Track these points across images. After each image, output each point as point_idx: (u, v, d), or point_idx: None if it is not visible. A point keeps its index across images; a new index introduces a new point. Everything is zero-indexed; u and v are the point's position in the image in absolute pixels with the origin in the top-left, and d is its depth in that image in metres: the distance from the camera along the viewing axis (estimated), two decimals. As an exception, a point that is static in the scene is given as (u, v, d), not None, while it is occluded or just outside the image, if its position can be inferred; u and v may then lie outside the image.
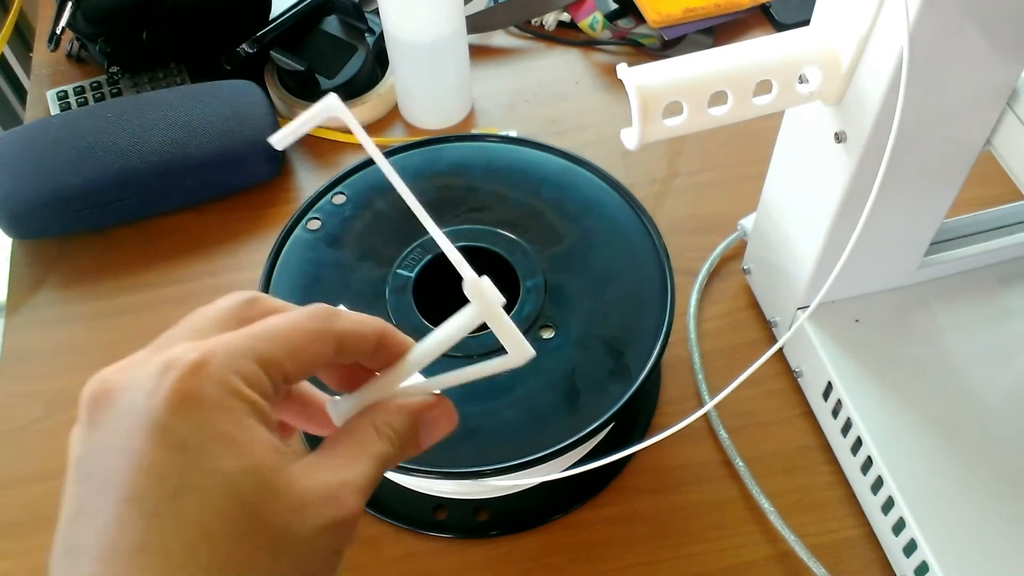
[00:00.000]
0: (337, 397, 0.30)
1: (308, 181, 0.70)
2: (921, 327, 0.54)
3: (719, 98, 0.42)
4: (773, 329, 0.59)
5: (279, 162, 0.68)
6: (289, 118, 0.72)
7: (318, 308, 0.28)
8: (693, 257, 0.64)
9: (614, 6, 0.77)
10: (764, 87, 0.42)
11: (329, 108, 0.29)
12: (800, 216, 0.52)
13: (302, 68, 0.68)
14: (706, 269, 0.63)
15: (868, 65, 0.41)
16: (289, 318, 0.27)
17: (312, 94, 0.70)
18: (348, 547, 0.26)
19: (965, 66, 0.41)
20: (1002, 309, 0.55)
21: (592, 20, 0.76)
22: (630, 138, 0.43)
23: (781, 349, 0.59)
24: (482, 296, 0.29)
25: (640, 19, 0.75)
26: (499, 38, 0.79)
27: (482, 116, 0.73)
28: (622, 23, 0.77)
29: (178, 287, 0.63)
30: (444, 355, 0.30)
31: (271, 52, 0.69)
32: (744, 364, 0.59)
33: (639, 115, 0.41)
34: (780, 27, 0.77)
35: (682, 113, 0.42)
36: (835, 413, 0.52)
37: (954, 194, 0.49)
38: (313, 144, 0.71)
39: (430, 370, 0.30)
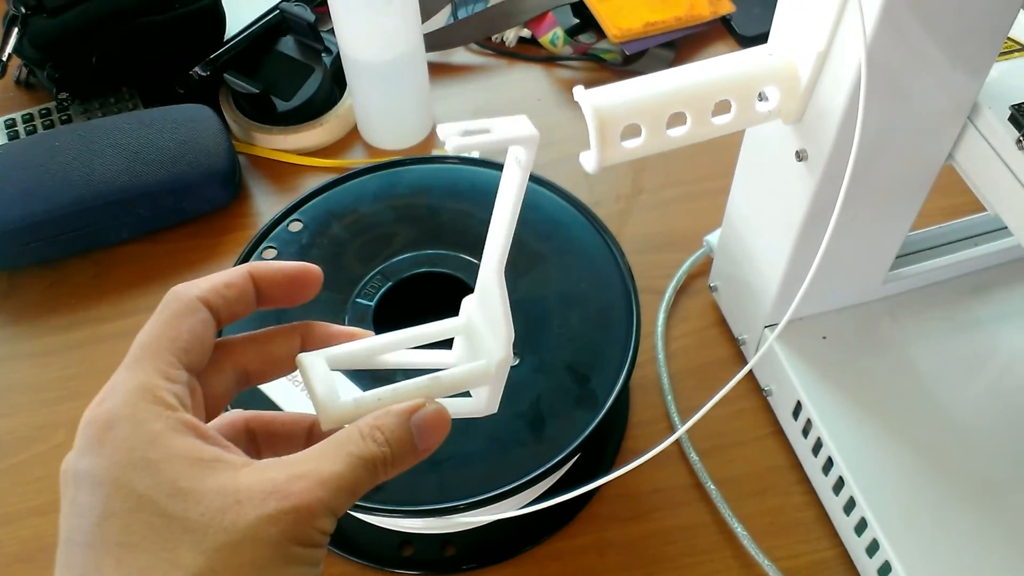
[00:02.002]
0: (326, 401, 0.30)
1: (266, 205, 0.68)
2: (889, 343, 0.54)
3: (678, 119, 0.41)
4: (741, 347, 0.59)
5: (235, 187, 0.66)
6: (245, 141, 0.70)
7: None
8: (660, 275, 0.63)
9: (575, 21, 0.76)
10: (723, 106, 0.42)
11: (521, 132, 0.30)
12: (764, 234, 0.51)
13: (257, 91, 0.66)
14: (673, 287, 0.62)
15: (827, 82, 0.41)
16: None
17: (268, 116, 0.69)
18: (319, 542, 0.26)
19: (925, 81, 0.40)
20: (969, 320, 0.55)
21: (553, 36, 0.75)
22: (589, 161, 0.42)
23: (750, 369, 0.58)
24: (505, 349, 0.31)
25: (601, 34, 0.75)
26: (460, 55, 0.78)
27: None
28: (583, 38, 0.76)
29: (132, 320, 0.61)
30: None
31: (225, 75, 0.67)
32: (713, 383, 0.59)
33: (597, 138, 0.40)
34: (741, 39, 0.76)
35: (640, 135, 0.41)
36: (805, 433, 0.52)
37: (918, 208, 0.49)
38: (270, 167, 0.70)
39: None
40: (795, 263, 0.49)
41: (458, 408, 0.33)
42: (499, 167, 0.59)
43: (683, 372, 0.59)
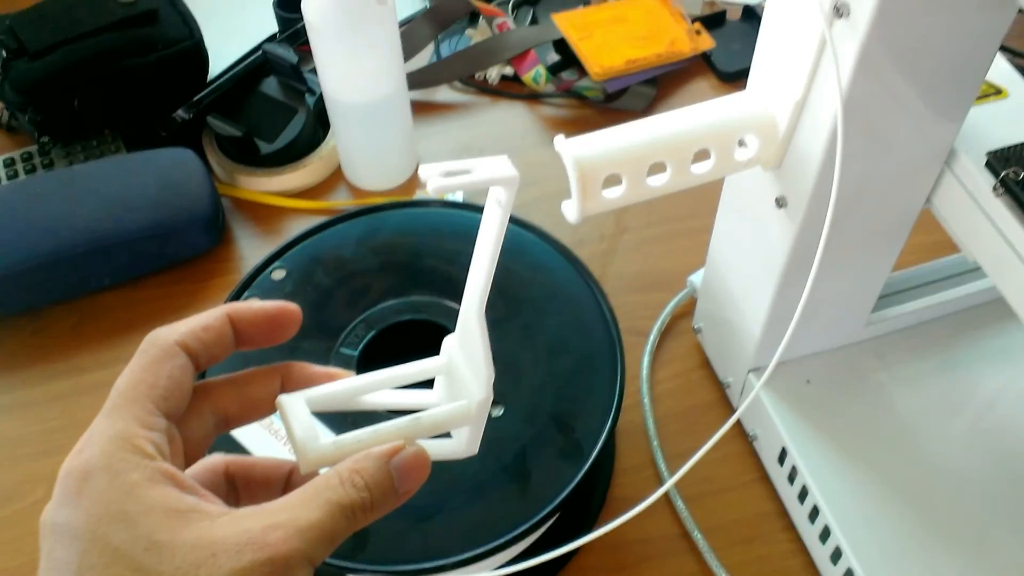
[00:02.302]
0: (305, 441, 0.30)
1: (250, 249, 0.68)
2: (872, 386, 0.54)
3: (659, 166, 0.41)
4: (726, 391, 0.58)
5: (218, 231, 0.66)
6: (229, 183, 0.70)
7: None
8: (644, 316, 0.63)
9: (557, 58, 0.76)
10: (703, 154, 0.42)
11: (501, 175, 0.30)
12: (746, 278, 0.51)
13: (239, 134, 0.66)
14: (657, 328, 0.62)
15: (805, 130, 0.41)
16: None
17: (252, 158, 0.69)
18: None
19: (903, 127, 0.40)
20: (951, 362, 0.54)
21: (535, 74, 0.75)
22: (570, 212, 0.41)
23: (734, 409, 0.58)
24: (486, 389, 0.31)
25: (583, 71, 0.75)
26: (443, 93, 0.78)
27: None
28: (565, 75, 0.76)
29: (113, 369, 0.58)
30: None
31: (208, 118, 0.67)
32: (700, 428, 0.59)
33: (578, 189, 0.40)
34: (721, 75, 0.77)
35: (621, 184, 0.41)
36: (791, 479, 0.51)
37: (898, 251, 0.49)
38: (254, 210, 0.70)
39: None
40: (777, 307, 0.49)
41: (438, 450, 0.32)
42: (481, 210, 0.59)
43: (669, 416, 0.59)
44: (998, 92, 0.45)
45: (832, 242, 0.43)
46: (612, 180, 0.41)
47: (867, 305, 0.53)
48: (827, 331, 0.54)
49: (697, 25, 0.77)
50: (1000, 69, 0.45)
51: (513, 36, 0.76)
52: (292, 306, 0.32)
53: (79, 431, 0.27)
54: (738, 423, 0.57)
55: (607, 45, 0.74)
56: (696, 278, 0.62)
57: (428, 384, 0.34)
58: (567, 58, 0.76)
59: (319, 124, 0.71)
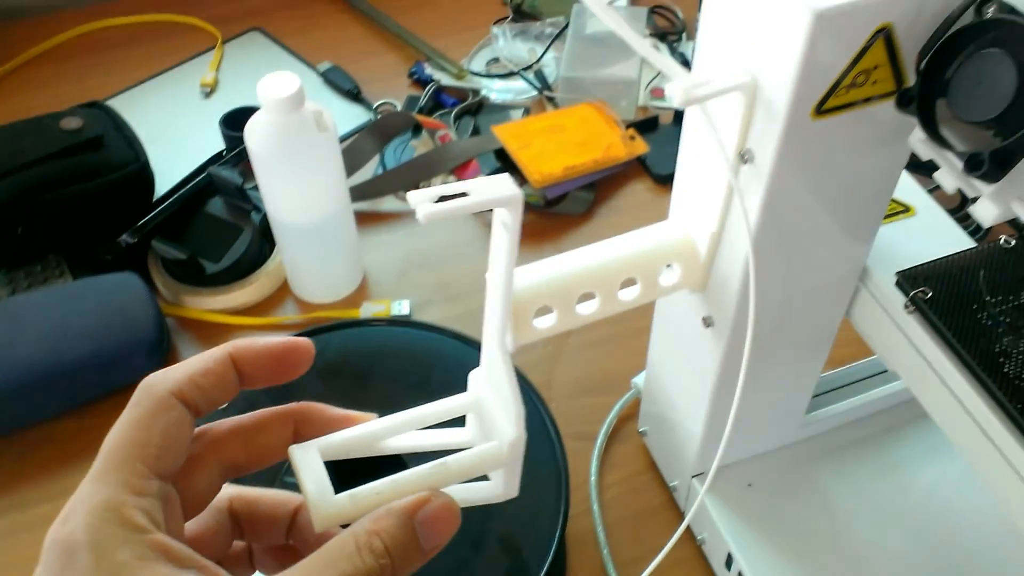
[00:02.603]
0: (316, 499, 0.27)
1: (196, 368, 0.68)
2: (812, 486, 0.55)
3: (588, 295, 0.43)
4: (674, 494, 0.59)
5: (163, 354, 0.66)
6: (175, 303, 0.70)
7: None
8: (591, 420, 0.64)
9: (498, 166, 0.79)
10: (630, 281, 0.43)
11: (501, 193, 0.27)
12: (683, 387, 0.52)
13: (184, 257, 0.67)
14: (604, 432, 0.63)
15: (724, 258, 0.42)
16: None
17: (198, 279, 0.69)
18: None
19: (816, 251, 0.43)
20: (885, 458, 0.56)
21: (477, 183, 0.78)
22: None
23: (682, 514, 0.58)
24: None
25: (524, 179, 0.77)
26: (389, 203, 0.80)
27: (374, 286, 0.73)
28: (507, 183, 0.79)
29: (59, 503, 0.58)
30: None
31: (152, 242, 0.68)
32: (649, 533, 0.59)
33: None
34: (656, 177, 0.80)
35: (552, 313, 0.42)
36: (740, 583, 0.52)
37: (824, 359, 0.51)
38: (200, 328, 0.70)
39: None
40: (714, 417, 0.50)
41: (473, 495, 0.30)
42: (424, 327, 0.60)
43: (618, 522, 0.59)
44: (906, 210, 0.47)
45: (758, 357, 0.44)
46: (544, 309, 0.42)
47: (801, 408, 0.54)
48: (764, 434, 0.55)
49: (631, 131, 0.80)
50: (907, 187, 0.48)
51: (455, 147, 0.78)
52: (302, 341, 0.30)
53: (27, 570, 0.25)
54: (687, 527, 0.58)
55: (545, 153, 0.77)
56: (640, 380, 0.63)
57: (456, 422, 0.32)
58: (507, 166, 0.79)
59: (265, 241, 0.72)
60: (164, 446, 0.26)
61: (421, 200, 0.26)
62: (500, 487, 0.31)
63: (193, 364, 0.28)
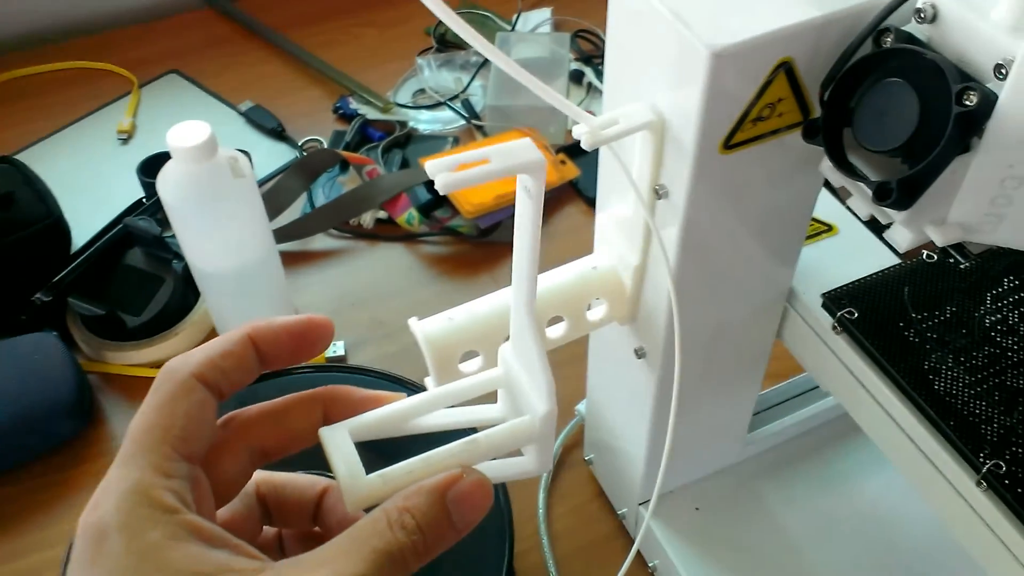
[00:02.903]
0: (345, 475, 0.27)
1: (122, 428, 0.65)
2: (758, 505, 0.54)
3: (515, 336, 0.42)
4: (623, 521, 0.58)
5: (85, 415, 0.63)
6: (98, 360, 0.68)
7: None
8: (536, 451, 0.63)
9: (429, 197, 0.78)
10: (557, 319, 0.43)
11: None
12: (622, 416, 0.52)
13: (102, 312, 0.64)
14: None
15: (649, 290, 0.42)
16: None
17: (119, 334, 0.67)
18: None
19: (739, 277, 0.42)
20: (832, 472, 0.56)
21: (408, 216, 0.76)
22: (432, 387, 0.41)
23: (633, 541, 0.58)
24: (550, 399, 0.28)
25: (456, 210, 0.76)
26: (319, 241, 0.78)
27: (173, 357, 0.71)
28: (439, 214, 0.78)
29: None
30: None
31: (68, 299, 0.65)
32: (601, 563, 0.58)
33: (434, 368, 0.40)
34: (590, 200, 0.79)
35: (478, 357, 0.41)
36: (692, 612, 0.51)
37: (760, 378, 0.50)
38: (126, 384, 0.67)
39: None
40: (655, 445, 0.49)
41: (505, 471, 0.30)
42: (354, 370, 0.58)
43: (569, 554, 0.58)
44: (829, 229, 0.47)
45: (692, 384, 0.44)
46: (471, 352, 0.41)
47: (742, 428, 0.54)
48: (708, 457, 0.55)
49: (562, 155, 0.80)
50: (829, 206, 0.48)
51: (384, 181, 0.77)
52: (320, 318, 0.30)
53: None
54: (638, 553, 0.57)
55: (475, 183, 0.76)
56: (583, 407, 0.62)
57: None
58: (439, 198, 0.77)
59: (189, 289, 0.69)
60: (189, 428, 0.26)
61: (440, 169, 0.25)
62: (532, 462, 0.31)
63: (213, 346, 0.28)
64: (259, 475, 0.30)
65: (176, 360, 0.27)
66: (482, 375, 0.32)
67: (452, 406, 0.31)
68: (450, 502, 0.26)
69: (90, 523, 0.24)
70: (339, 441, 0.28)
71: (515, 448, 0.30)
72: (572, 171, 0.79)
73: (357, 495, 0.27)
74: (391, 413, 0.30)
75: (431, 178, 0.25)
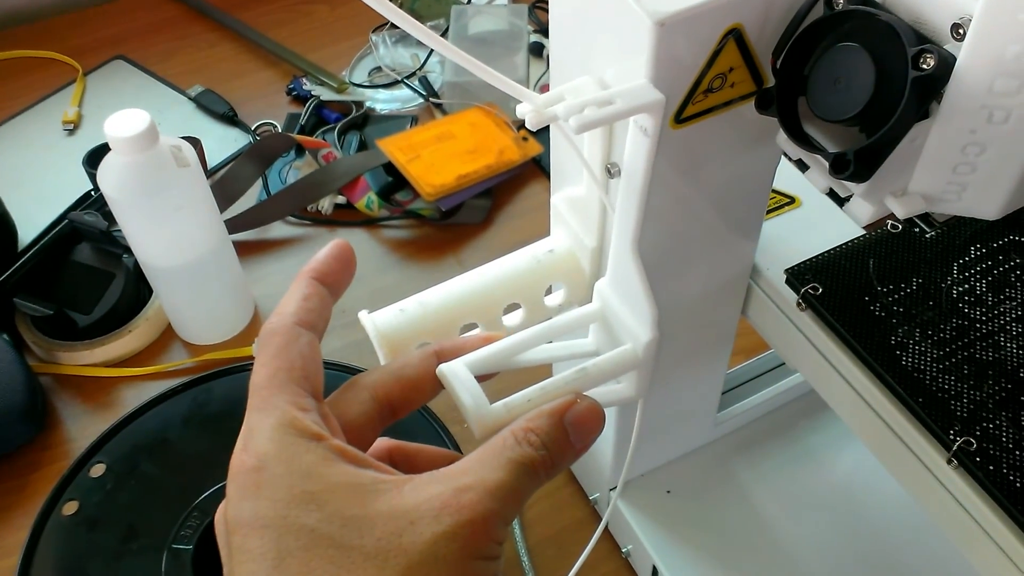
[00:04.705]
0: (473, 403, 0.30)
1: (78, 429, 0.63)
2: (731, 486, 0.53)
3: (471, 325, 0.40)
4: (595, 506, 0.57)
5: (38, 419, 0.61)
6: (50, 362, 0.65)
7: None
8: (505, 437, 0.62)
9: (389, 179, 0.75)
10: (514, 305, 0.41)
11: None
12: (590, 402, 0.50)
13: (51, 312, 0.62)
14: (519, 449, 0.61)
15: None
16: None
17: (70, 333, 0.64)
18: (496, 553, 0.26)
19: (699, 254, 0.41)
20: (803, 449, 0.55)
21: (368, 200, 0.74)
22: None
23: (607, 529, 0.57)
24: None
25: (415, 193, 0.74)
26: (277, 229, 0.76)
27: (267, 318, 0.69)
28: (400, 196, 0.75)
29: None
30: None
31: (14, 299, 0.63)
32: (574, 549, 0.57)
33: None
34: (555, 178, 0.78)
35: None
36: (666, 596, 0.50)
37: (727, 357, 0.49)
38: (80, 385, 0.65)
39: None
40: (622, 429, 0.48)
41: (609, 398, 0.32)
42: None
43: (542, 542, 0.57)
44: (792, 201, 0.46)
45: (657, 366, 0.43)
46: (425, 345, 0.39)
47: (711, 408, 0.53)
48: (678, 438, 0.53)
49: (524, 132, 0.78)
50: (791, 177, 0.46)
51: (341, 165, 0.75)
52: (339, 240, 0.33)
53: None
54: (612, 540, 0.56)
55: (436, 164, 0.74)
56: (551, 392, 0.61)
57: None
58: (399, 179, 0.75)
59: (141, 284, 0.67)
60: (307, 367, 0.28)
61: (570, 113, 0.28)
62: (632, 388, 0.34)
63: (293, 295, 0.30)
64: (391, 443, 0.33)
65: (272, 319, 0.30)
66: (579, 311, 0.35)
67: (551, 341, 0.34)
68: (568, 424, 0.29)
69: (243, 460, 0.26)
70: (460, 375, 0.31)
71: (619, 375, 0.33)
72: (535, 148, 0.77)
73: (484, 423, 0.29)
74: (500, 349, 0.33)
75: (564, 118, 0.28)
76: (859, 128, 0.28)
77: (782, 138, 0.31)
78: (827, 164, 0.29)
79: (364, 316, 0.39)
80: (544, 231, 0.42)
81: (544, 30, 0.88)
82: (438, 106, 0.82)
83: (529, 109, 0.29)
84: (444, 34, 0.85)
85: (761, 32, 0.29)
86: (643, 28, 0.27)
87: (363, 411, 0.30)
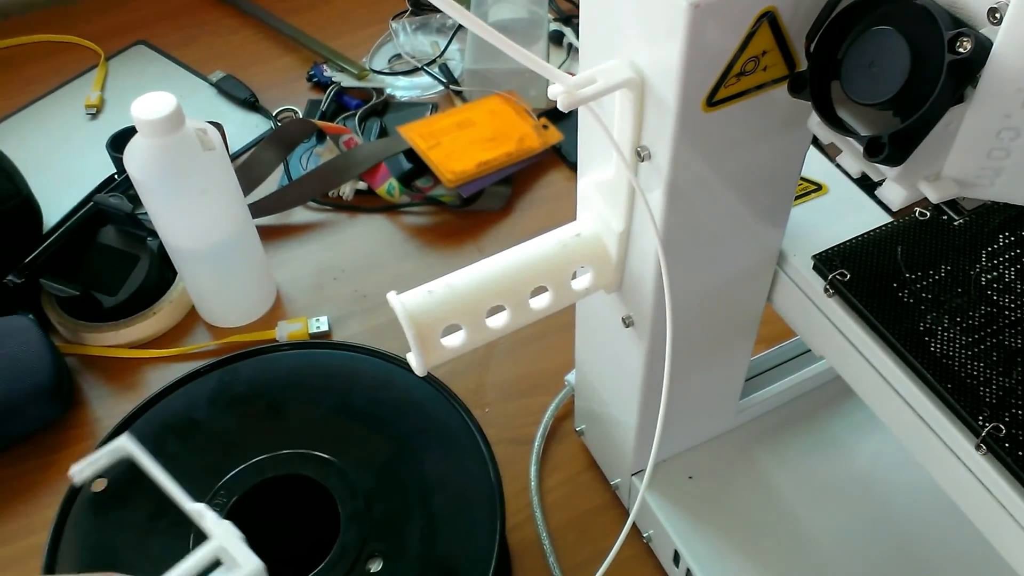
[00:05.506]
0: None
1: (105, 409, 0.64)
2: (752, 472, 0.54)
3: (498, 308, 0.40)
4: (616, 491, 0.58)
5: (65, 398, 0.62)
6: (75, 342, 0.66)
7: None
8: (527, 422, 0.62)
9: (409, 166, 0.76)
10: (541, 288, 0.41)
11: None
12: (612, 386, 0.51)
13: (76, 293, 0.63)
14: (541, 434, 0.61)
15: (634, 257, 0.41)
16: None
17: (95, 314, 0.65)
18: None
19: (727, 240, 0.41)
20: (824, 435, 0.55)
21: (389, 186, 0.75)
22: (415, 364, 0.40)
23: (627, 512, 0.57)
24: None
25: (436, 179, 0.75)
26: (299, 214, 0.76)
27: (289, 303, 0.70)
28: (420, 183, 0.76)
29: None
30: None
31: (41, 280, 0.63)
32: (595, 534, 0.57)
33: (416, 344, 0.39)
34: (574, 166, 0.78)
35: (461, 331, 0.40)
36: (687, 580, 0.51)
37: (751, 345, 0.49)
38: (105, 366, 0.66)
39: None
40: (646, 414, 0.48)
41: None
42: (339, 346, 0.57)
43: (563, 526, 0.57)
44: (819, 188, 0.46)
45: (683, 351, 0.43)
46: (453, 327, 0.40)
47: (734, 395, 0.53)
48: (700, 425, 0.54)
49: (544, 120, 0.78)
50: (818, 164, 0.46)
51: (362, 152, 0.75)
52: None
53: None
54: (634, 524, 0.56)
55: (456, 151, 0.74)
56: (572, 377, 0.61)
57: None
58: (420, 165, 0.76)
59: (166, 267, 0.68)
60: None
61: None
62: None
63: None
64: None
65: None
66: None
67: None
68: None
69: None
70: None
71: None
72: (555, 136, 0.77)
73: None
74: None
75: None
76: (893, 112, 0.28)
77: (814, 121, 0.31)
78: (861, 148, 0.29)
79: (393, 297, 0.39)
80: (564, 219, 0.43)
81: (564, 18, 0.88)
82: (458, 93, 0.82)
83: (562, 90, 0.30)
84: (465, 20, 0.85)
85: (794, 15, 0.29)
86: (677, 10, 0.27)
87: None
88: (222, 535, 0.39)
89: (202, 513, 0.41)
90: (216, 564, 0.39)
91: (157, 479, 0.41)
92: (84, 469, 0.32)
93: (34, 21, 0.91)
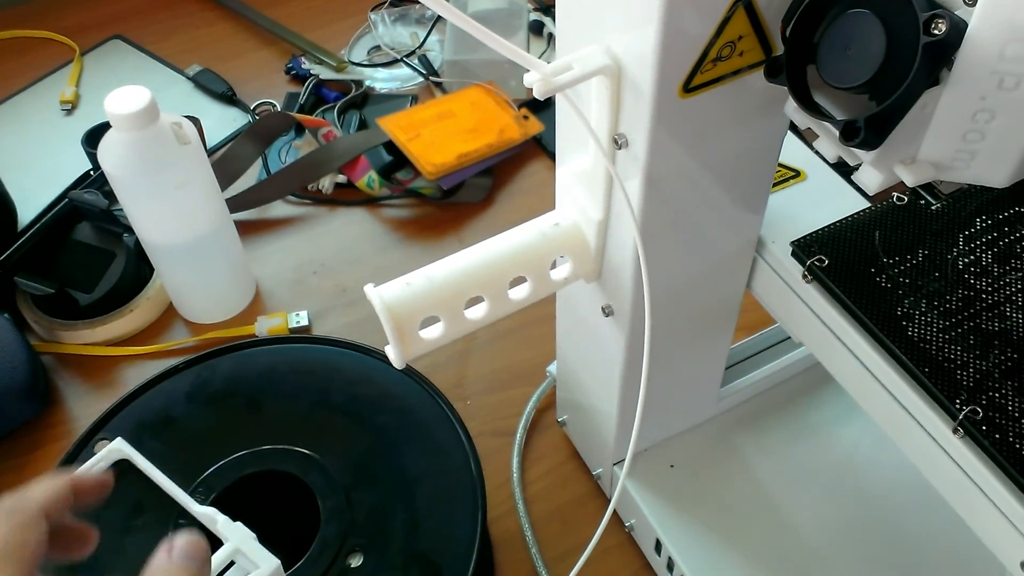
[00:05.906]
0: None
1: (81, 408, 0.63)
2: (734, 460, 0.54)
3: (476, 299, 0.40)
4: (599, 481, 0.58)
5: (40, 397, 0.61)
6: (51, 341, 0.65)
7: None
8: (509, 414, 0.62)
9: (389, 159, 0.75)
10: (520, 279, 0.41)
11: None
12: (593, 376, 0.50)
13: (52, 291, 0.62)
14: (523, 426, 0.61)
15: (614, 245, 0.40)
16: None
17: (71, 312, 0.64)
18: None
19: (705, 227, 0.41)
20: (806, 424, 0.55)
21: (368, 179, 0.74)
22: (394, 356, 0.40)
23: (609, 502, 0.57)
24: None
25: (416, 171, 0.74)
26: (277, 208, 0.75)
27: (269, 298, 0.69)
28: (400, 175, 0.75)
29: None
30: None
31: (15, 278, 0.62)
32: (577, 525, 0.57)
33: (394, 337, 0.39)
34: (554, 156, 0.77)
35: (440, 323, 0.40)
36: (670, 568, 0.51)
37: (731, 332, 0.49)
38: (82, 364, 0.65)
39: None
40: (626, 403, 0.48)
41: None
42: (318, 340, 0.57)
43: (545, 517, 0.57)
44: (797, 175, 0.46)
45: (662, 340, 0.43)
46: (431, 319, 0.39)
47: (715, 383, 0.53)
48: (681, 414, 0.54)
49: (524, 110, 0.78)
50: (795, 151, 0.46)
51: (341, 144, 0.74)
52: (109, 479, 0.37)
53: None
54: (615, 514, 0.56)
55: (436, 143, 0.74)
56: (554, 368, 0.61)
57: None
58: (399, 157, 0.75)
59: (142, 263, 0.67)
60: (37, 554, 0.32)
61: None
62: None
63: (48, 486, 0.34)
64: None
65: (19, 497, 0.33)
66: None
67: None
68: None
69: None
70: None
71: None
72: (536, 126, 0.77)
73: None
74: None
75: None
76: (869, 96, 0.28)
77: (791, 107, 0.31)
78: (837, 132, 0.29)
79: (370, 289, 0.39)
80: (545, 209, 0.42)
81: (543, 8, 0.88)
82: (438, 85, 0.82)
83: (537, 78, 0.29)
84: (443, 12, 0.85)
85: (770, 0, 0.29)
86: (652, -5, 0.27)
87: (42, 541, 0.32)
88: (238, 539, 0.40)
89: (213, 517, 0.41)
90: (228, 566, 0.40)
91: (159, 482, 0.42)
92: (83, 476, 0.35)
93: (7, 17, 0.90)
